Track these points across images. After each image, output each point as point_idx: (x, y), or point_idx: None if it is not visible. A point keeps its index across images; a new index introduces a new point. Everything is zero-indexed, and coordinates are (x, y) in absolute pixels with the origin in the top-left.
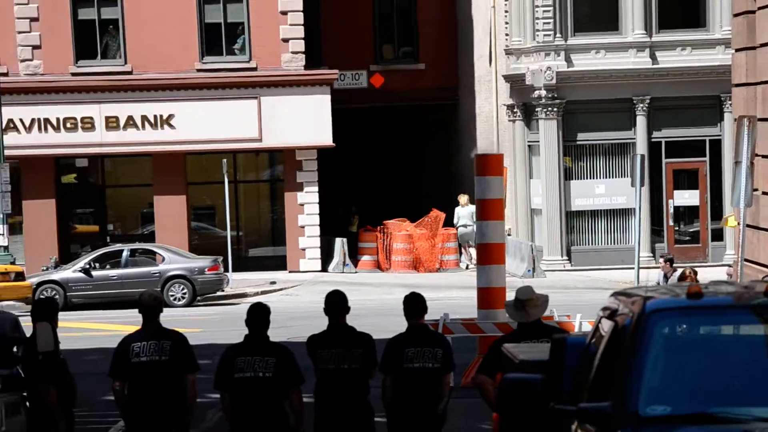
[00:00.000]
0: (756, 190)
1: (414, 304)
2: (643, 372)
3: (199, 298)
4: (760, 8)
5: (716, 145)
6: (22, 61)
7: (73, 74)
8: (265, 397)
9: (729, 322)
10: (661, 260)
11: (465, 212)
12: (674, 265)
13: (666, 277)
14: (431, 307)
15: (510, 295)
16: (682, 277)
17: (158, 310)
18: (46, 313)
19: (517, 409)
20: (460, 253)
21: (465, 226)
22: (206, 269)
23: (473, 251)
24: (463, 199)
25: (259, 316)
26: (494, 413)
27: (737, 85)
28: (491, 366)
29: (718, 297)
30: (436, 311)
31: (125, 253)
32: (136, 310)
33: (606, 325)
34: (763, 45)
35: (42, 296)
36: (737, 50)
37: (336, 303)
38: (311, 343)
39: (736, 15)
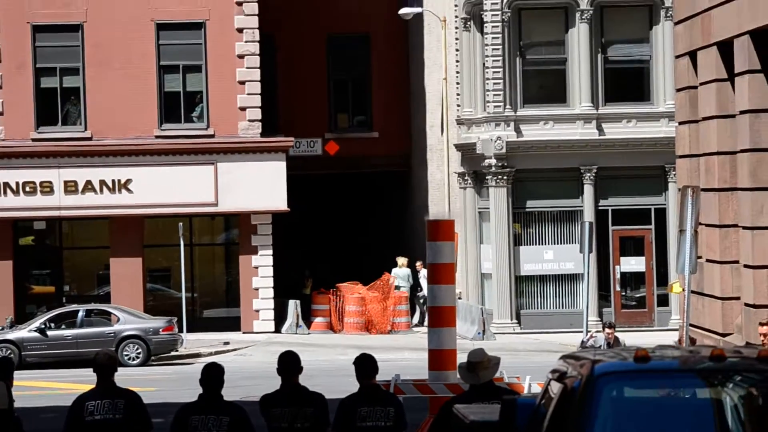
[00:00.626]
0: (700, 257)
1: (365, 364)
2: None
3: (153, 357)
4: (701, 84)
5: (661, 213)
6: None
7: (34, 140)
8: None
9: (676, 385)
10: (606, 329)
11: (401, 273)
12: (616, 330)
13: (609, 344)
14: (383, 368)
15: (461, 358)
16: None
17: (113, 369)
18: (1, 371)
19: None
20: (412, 314)
21: (398, 287)
22: (161, 329)
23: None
24: (400, 260)
25: (213, 375)
26: None
27: (681, 157)
28: (442, 427)
29: (664, 361)
30: (387, 372)
31: (81, 314)
32: (91, 370)
33: (555, 387)
34: (705, 119)
35: None
36: (681, 123)
37: (289, 363)
38: (264, 402)
39: (678, 90)
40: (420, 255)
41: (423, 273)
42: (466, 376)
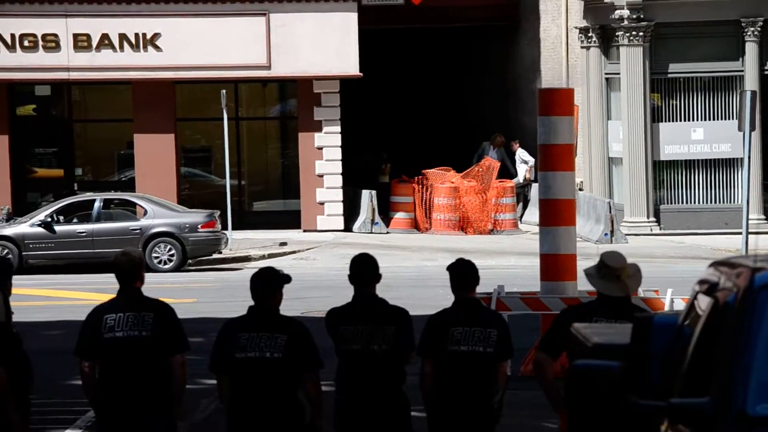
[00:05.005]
0: None
1: (463, 273)
2: (752, 361)
3: (190, 261)
4: None
5: None
6: None
7: None
8: (273, 384)
9: None
10: None
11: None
12: None
13: None
14: (483, 278)
15: (582, 265)
16: None
17: (138, 274)
18: None
19: (589, 405)
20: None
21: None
22: (199, 226)
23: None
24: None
25: (267, 283)
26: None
27: None
28: (555, 343)
29: None
30: (488, 283)
31: (97, 204)
32: (111, 275)
33: (704, 303)
34: None
35: None
36: None
37: (364, 269)
38: (332, 318)
39: None
40: (529, 133)
41: (520, 154)
42: (601, 285)
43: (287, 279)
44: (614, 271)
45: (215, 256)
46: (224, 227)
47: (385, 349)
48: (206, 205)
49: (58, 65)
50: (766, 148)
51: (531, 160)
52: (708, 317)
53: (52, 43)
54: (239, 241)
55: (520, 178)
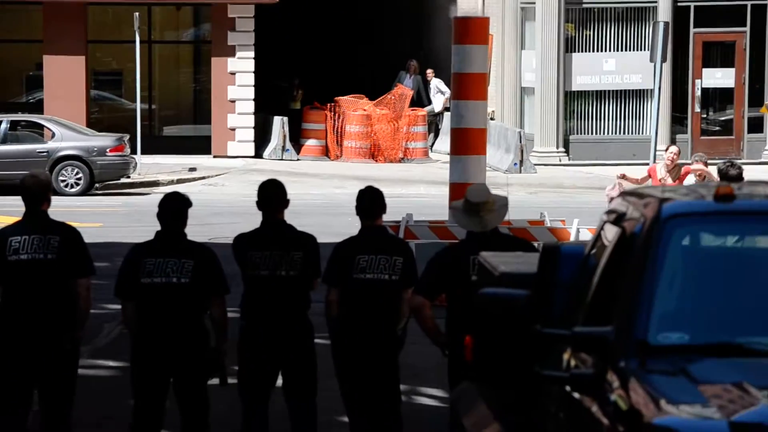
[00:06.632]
0: None
1: (370, 200)
2: (655, 291)
3: (98, 185)
4: None
5: (760, 11)
6: None
7: None
8: (179, 308)
9: (766, 232)
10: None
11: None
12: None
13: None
14: (391, 206)
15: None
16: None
17: (44, 197)
18: None
19: (495, 333)
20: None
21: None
22: (108, 150)
23: None
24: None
25: (174, 209)
26: (467, 336)
27: None
28: (431, 285)
29: (754, 201)
30: (397, 211)
31: (4, 126)
32: (16, 197)
33: (610, 233)
34: None
35: None
36: None
37: (272, 195)
38: (240, 243)
39: None
40: (442, 62)
41: (436, 83)
42: (463, 220)
43: (190, 203)
44: (474, 206)
45: (123, 180)
46: (133, 151)
47: (293, 274)
48: (116, 129)
49: None
50: (675, 80)
51: (447, 92)
52: (614, 247)
53: None
54: (148, 165)
55: (436, 107)
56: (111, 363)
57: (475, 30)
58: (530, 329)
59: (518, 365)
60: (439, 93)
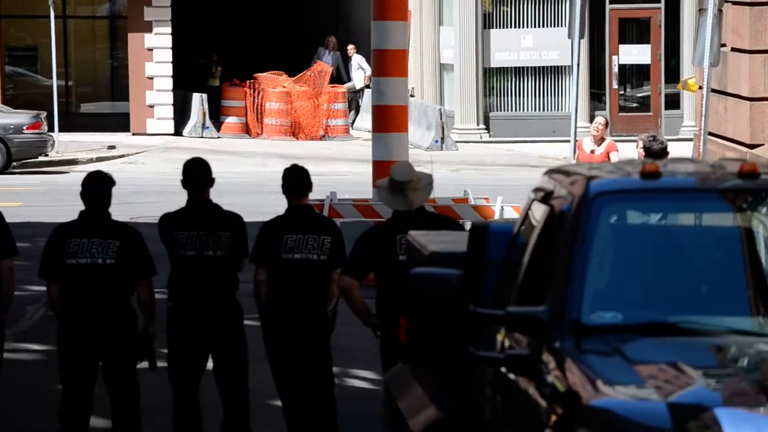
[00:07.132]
0: (724, 45)
1: (296, 179)
2: (586, 271)
3: (15, 163)
4: None
5: None
6: None
7: None
8: (105, 290)
9: (693, 209)
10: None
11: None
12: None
13: None
14: (314, 184)
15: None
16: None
17: None
18: None
19: (428, 313)
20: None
21: None
22: (25, 127)
23: None
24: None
25: (98, 188)
26: (401, 318)
27: None
28: (359, 265)
29: (679, 177)
30: (320, 190)
31: None
32: None
33: (538, 212)
34: None
35: None
36: None
37: (197, 173)
38: (165, 223)
39: None
40: (362, 38)
41: (357, 60)
42: (388, 199)
43: (114, 182)
44: (399, 185)
45: (41, 158)
46: (51, 129)
47: (220, 254)
48: (32, 106)
49: None
50: (593, 56)
51: (368, 69)
52: (543, 226)
53: None
54: (66, 143)
55: (357, 84)
56: (35, 347)
57: (394, 6)
58: (464, 309)
59: (452, 346)
60: (360, 69)
